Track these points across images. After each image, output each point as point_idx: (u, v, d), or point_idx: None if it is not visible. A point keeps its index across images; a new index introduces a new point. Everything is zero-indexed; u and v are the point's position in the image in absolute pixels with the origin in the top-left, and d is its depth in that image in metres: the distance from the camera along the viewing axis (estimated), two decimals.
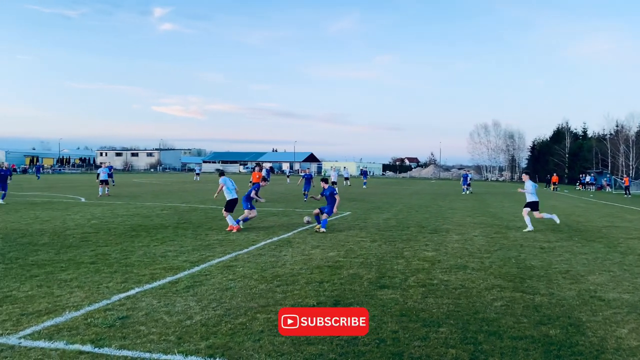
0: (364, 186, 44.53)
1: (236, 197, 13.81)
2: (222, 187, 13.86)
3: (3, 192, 21.08)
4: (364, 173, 52.76)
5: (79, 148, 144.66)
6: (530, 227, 14.30)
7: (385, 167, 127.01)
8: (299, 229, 13.70)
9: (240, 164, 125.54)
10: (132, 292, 6.78)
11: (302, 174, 29.49)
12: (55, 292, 6.70)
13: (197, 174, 60.43)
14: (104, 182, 26.83)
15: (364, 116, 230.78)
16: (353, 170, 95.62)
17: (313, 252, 10.26)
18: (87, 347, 4.73)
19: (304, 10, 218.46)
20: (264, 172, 50.95)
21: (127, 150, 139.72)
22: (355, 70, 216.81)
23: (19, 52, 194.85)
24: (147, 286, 7.10)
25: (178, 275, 7.81)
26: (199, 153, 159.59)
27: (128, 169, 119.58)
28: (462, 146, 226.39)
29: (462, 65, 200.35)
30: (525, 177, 15.63)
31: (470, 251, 10.78)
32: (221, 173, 14.34)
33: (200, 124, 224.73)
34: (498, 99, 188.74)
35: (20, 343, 4.84)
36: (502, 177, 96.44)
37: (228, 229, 13.10)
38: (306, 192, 25.24)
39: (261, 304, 6.31)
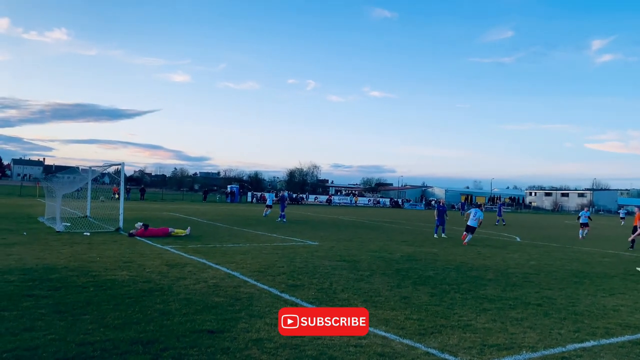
0: None
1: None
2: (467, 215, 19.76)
3: (441, 226, 23.56)
4: None
5: (508, 187, 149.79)
6: None
7: None
8: None
9: None
10: (587, 344, 6.48)
11: None
12: (509, 329, 7.06)
13: (622, 218, 53.11)
14: (585, 225, 26.19)
15: None
16: None
17: None
18: None
19: None
20: None
21: (557, 190, 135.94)
22: None
23: (459, 102, 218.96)
24: (603, 341, 6.65)
25: (638, 335, 7.00)
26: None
27: (557, 209, 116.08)
28: None
29: None
30: None
31: None
32: (476, 205, 16.74)
33: None
34: None
35: None
36: None
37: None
38: None
39: None
